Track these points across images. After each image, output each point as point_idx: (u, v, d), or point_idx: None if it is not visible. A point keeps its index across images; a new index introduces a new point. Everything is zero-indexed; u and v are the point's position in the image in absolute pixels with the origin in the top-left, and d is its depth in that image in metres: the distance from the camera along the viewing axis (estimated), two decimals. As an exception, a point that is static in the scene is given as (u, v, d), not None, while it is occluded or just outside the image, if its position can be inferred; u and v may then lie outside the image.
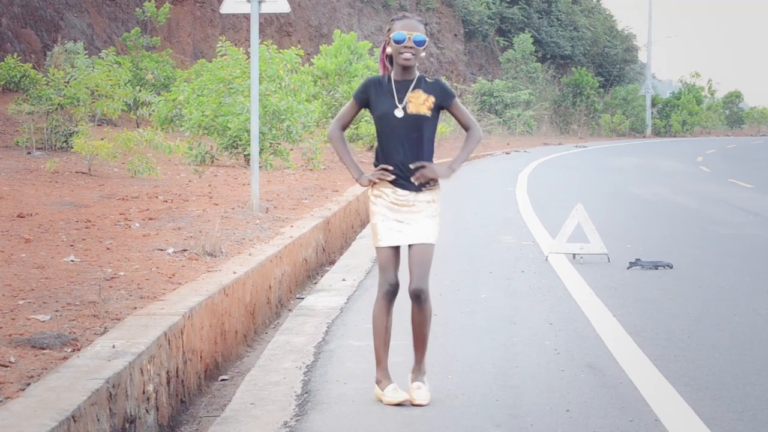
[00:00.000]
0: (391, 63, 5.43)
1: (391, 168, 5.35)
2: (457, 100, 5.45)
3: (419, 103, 5.35)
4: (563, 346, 6.60)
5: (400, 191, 5.37)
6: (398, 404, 5.30)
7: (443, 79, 5.45)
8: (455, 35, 55.08)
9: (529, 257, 10.62)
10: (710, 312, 7.75)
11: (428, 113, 5.35)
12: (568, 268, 9.77)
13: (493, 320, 7.45)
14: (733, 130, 71.87)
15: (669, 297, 8.41)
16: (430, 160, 5.41)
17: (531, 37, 55.15)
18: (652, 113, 62.95)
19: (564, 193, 18.81)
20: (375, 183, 5.40)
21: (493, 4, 57.95)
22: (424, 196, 5.39)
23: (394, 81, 5.40)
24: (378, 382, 5.43)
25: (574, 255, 10.36)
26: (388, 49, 5.40)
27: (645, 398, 5.38)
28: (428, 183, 5.36)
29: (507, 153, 35.89)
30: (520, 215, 14.70)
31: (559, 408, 5.23)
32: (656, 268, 9.72)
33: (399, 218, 5.36)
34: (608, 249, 10.28)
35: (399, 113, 5.33)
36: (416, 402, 5.31)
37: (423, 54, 5.38)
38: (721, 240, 12.08)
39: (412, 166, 5.32)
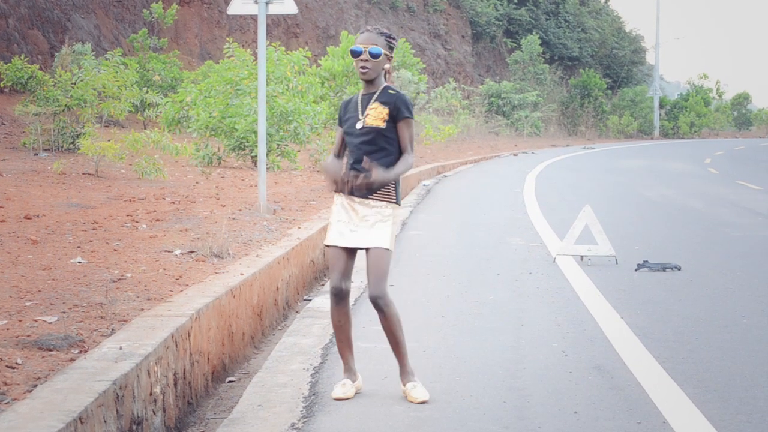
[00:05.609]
0: None
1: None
2: (411, 122, 5.42)
3: (375, 115, 5.39)
4: (571, 348, 6.58)
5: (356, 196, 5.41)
6: (339, 399, 5.40)
7: (406, 96, 5.48)
8: (463, 37, 55.08)
9: (536, 259, 10.61)
10: (718, 314, 7.73)
11: (383, 125, 5.37)
12: (576, 270, 9.75)
13: (501, 322, 7.43)
14: (741, 131, 71.86)
15: (677, 299, 8.39)
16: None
17: (539, 38, 55.21)
18: (660, 115, 62.95)
19: (572, 194, 18.79)
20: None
21: (501, 5, 57.97)
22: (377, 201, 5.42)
23: (362, 95, 5.50)
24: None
25: (581, 257, 10.34)
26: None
27: (653, 400, 5.37)
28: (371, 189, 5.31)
29: (515, 154, 35.88)
30: (527, 217, 14.69)
31: (567, 410, 5.21)
32: (664, 270, 9.70)
33: (354, 218, 5.38)
34: (616, 251, 10.26)
35: (359, 125, 5.41)
36: (418, 400, 5.34)
37: (387, 66, 5.42)
38: (729, 242, 12.05)
39: (364, 164, 5.30)
